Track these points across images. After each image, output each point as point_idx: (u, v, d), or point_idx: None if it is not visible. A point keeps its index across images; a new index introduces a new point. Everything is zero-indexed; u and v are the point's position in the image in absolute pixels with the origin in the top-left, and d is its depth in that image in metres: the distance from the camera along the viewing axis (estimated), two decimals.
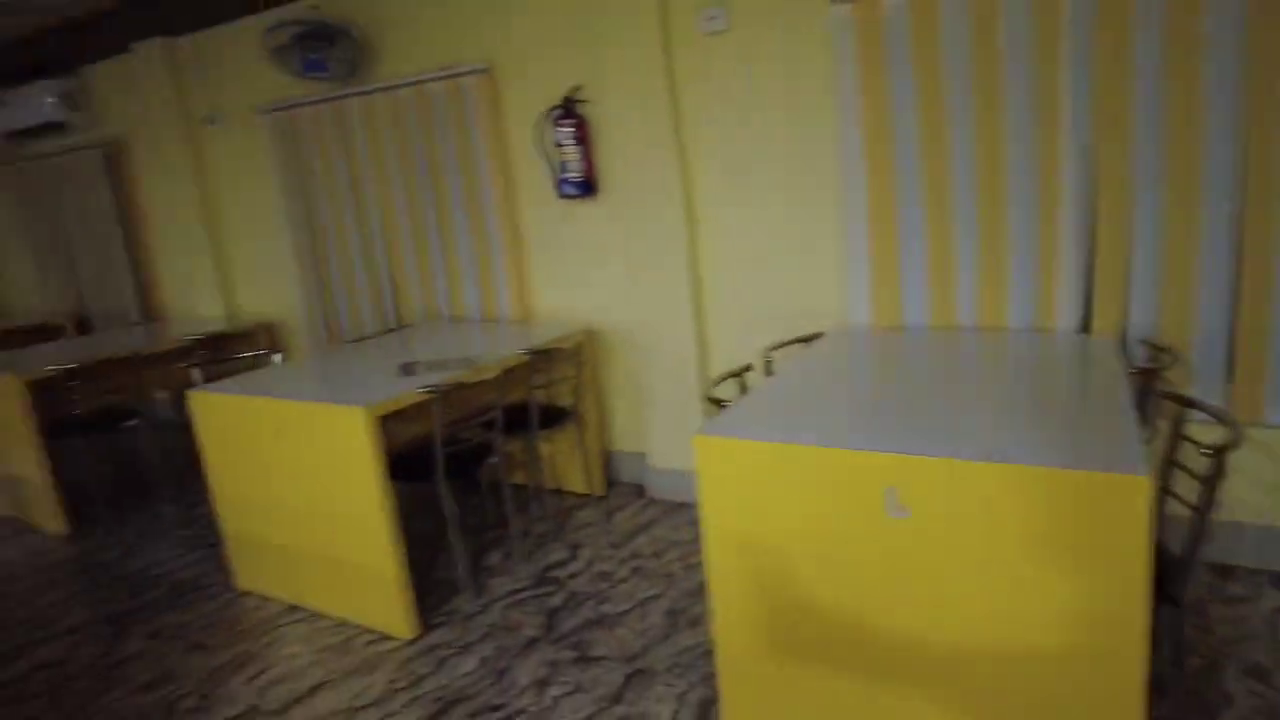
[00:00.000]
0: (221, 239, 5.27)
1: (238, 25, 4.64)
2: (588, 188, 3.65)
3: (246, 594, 3.21)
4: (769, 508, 1.89)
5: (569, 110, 3.60)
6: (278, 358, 3.70)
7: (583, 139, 3.60)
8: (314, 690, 2.54)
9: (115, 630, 3.04)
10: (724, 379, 2.58)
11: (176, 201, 5.31)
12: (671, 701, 2.32)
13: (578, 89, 3.59)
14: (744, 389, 2.59)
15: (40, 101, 5.56)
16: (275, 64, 4.05)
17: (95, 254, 5.95)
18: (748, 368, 2.64)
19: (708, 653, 2.52)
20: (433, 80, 3.90)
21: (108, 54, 5.30)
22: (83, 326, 6.18)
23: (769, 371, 2.71)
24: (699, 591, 2.89)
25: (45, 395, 3.89)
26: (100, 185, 5.68)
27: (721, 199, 3.37)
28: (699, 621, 2.70)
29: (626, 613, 2.80)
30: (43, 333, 5.90)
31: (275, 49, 3.97)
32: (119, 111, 5.50)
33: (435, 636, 2.77)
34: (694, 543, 3.26)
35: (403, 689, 2.50)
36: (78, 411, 4.03)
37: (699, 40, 3.24)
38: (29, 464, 3.89)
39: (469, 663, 2.60)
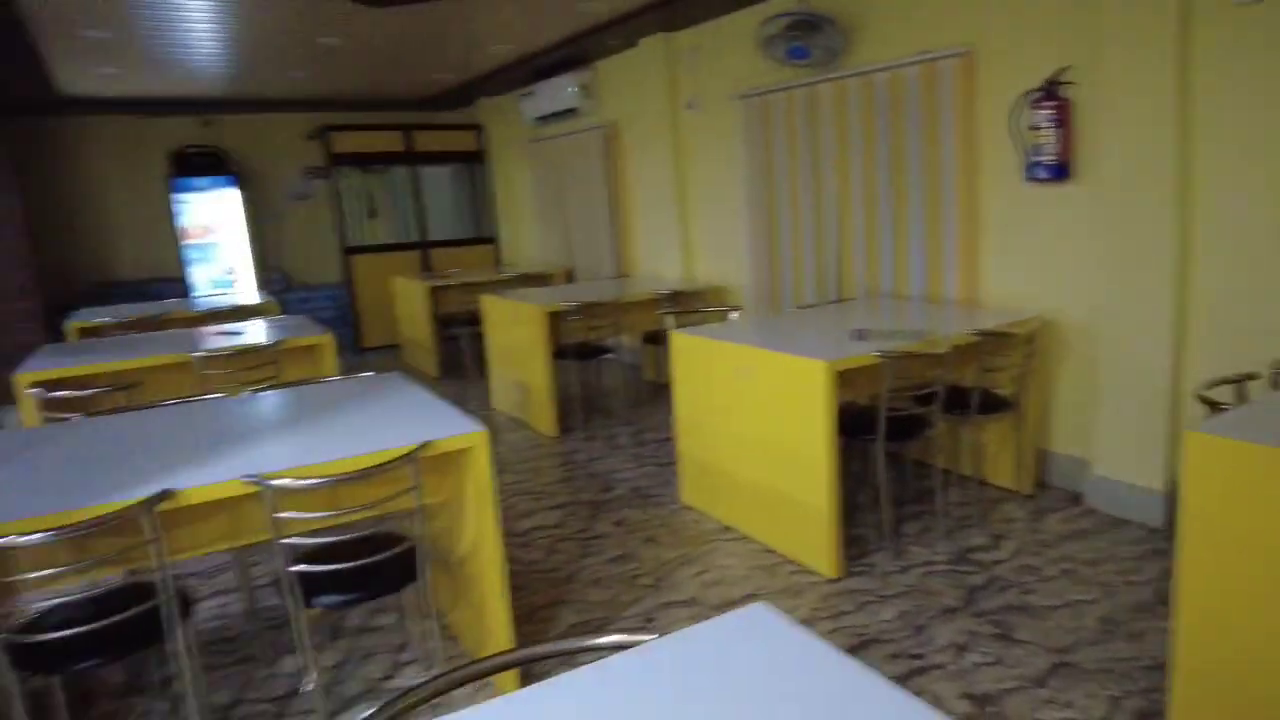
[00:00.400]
0: (686, 210, 6.03)
1: (726, 20, 5.24)
2: (1061, 172, 3.50)
3: (688, 508, 3.74)
4: (1275, 528, 1.73)
5: (1050, 92, 3.47)
6: (735, 315, 4.19)
7: (1062, 121, 3.45)
8: (745, 598, 2.91)
9: (590, 513, 3.77)
10: (1219, 383, 2.35)
11: (653, 177, 6.19)
12: (1104, 702, 2.23)
13: (1064, 70, 3.44)
14: (1242, 398, 2.34)
15: (563, 91, 6.86)
16: (764, 53, 4.51)
17: (585, 218, 7.19)
18: (1250, 375, 2.37)
19: (1150, 668, 2.36)
20: (909, 65, 4.03)
21: (618, 50, 6.33)
22: (569, 277, 7.52)
23: (1277, 385, 2.39)
24: (1144, 608, 2.68)
25: (551, 325, 4.88)
26: (595, 161, 6.84)
27: (1230, 186, 3.00)
28: (1141, 637, 2.52)
29: (1054, 608, 2.71)
30: (538, 279, 7.31)
31: (766, 38, 4.42)
32: (618, 98, 6.55)
33: (854, 582, 2.98)
34: (1139, 560, 3.01)
35: (824, 618, 2.75)
36: (571, 341, 4.98)
37: (1227, 13, 2.91)
38: (538, 376, 4.93)
39: (887, 612, 2.76)
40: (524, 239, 8.67)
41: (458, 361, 6.98)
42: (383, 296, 8.21)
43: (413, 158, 8.51)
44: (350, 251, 8.32)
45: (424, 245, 8.68)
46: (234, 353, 3.94)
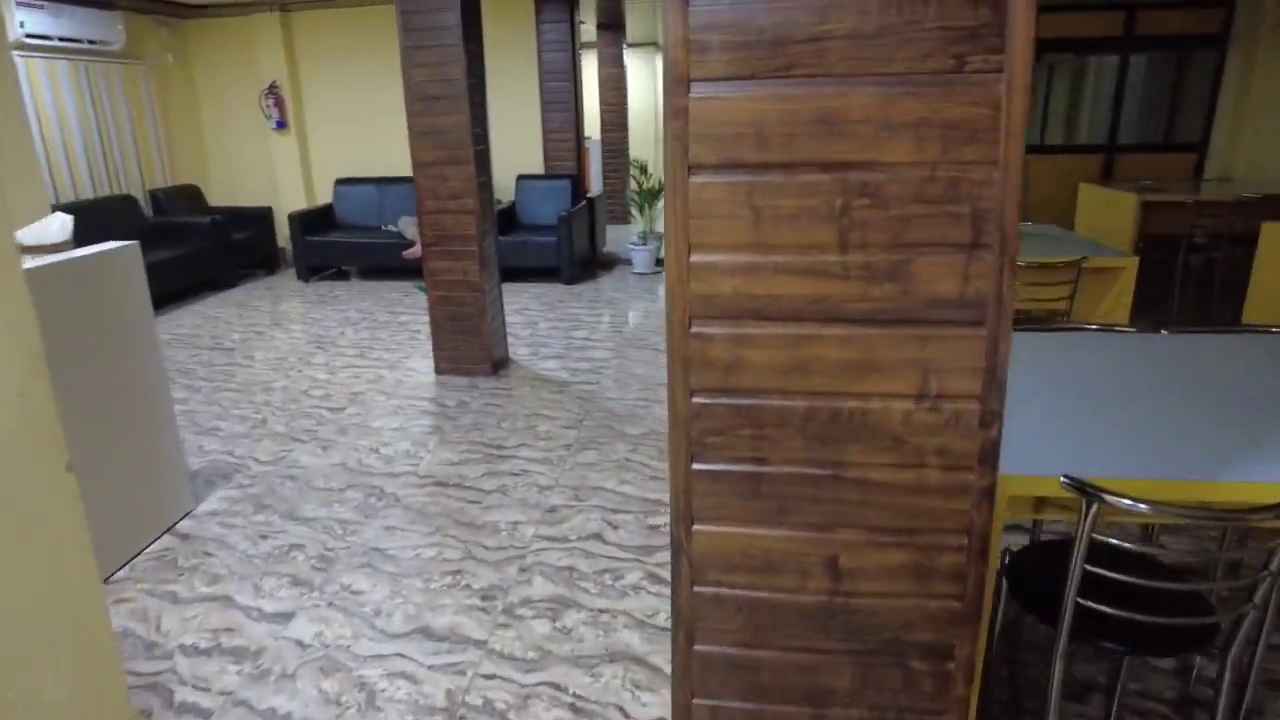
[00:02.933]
0: None
1: None
2: None
3: None
4: None
5: None
6: None
7: None
8: None
9: None
10: None
11: None
12: None
13: None
14: None
15: None
16: None
17: None
18: None
19: None
20: None
21: None
22: None
23: None
24: None
25: None
26: None
27: None
28: None
29: None
30: None
31: None
32: None
33: None
34: None
35: None
36: None
37: None
38: None
39: None
40: (1247, 147, 6.93)
41: (1160, 293, 5.89)
42: (1045, 206, 7.38)
43: (1128, 43, 7.23)
44: (1027, 151, 7.56)
45: (1109, 149, 7.49)
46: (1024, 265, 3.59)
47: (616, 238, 9.76)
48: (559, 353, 5.20)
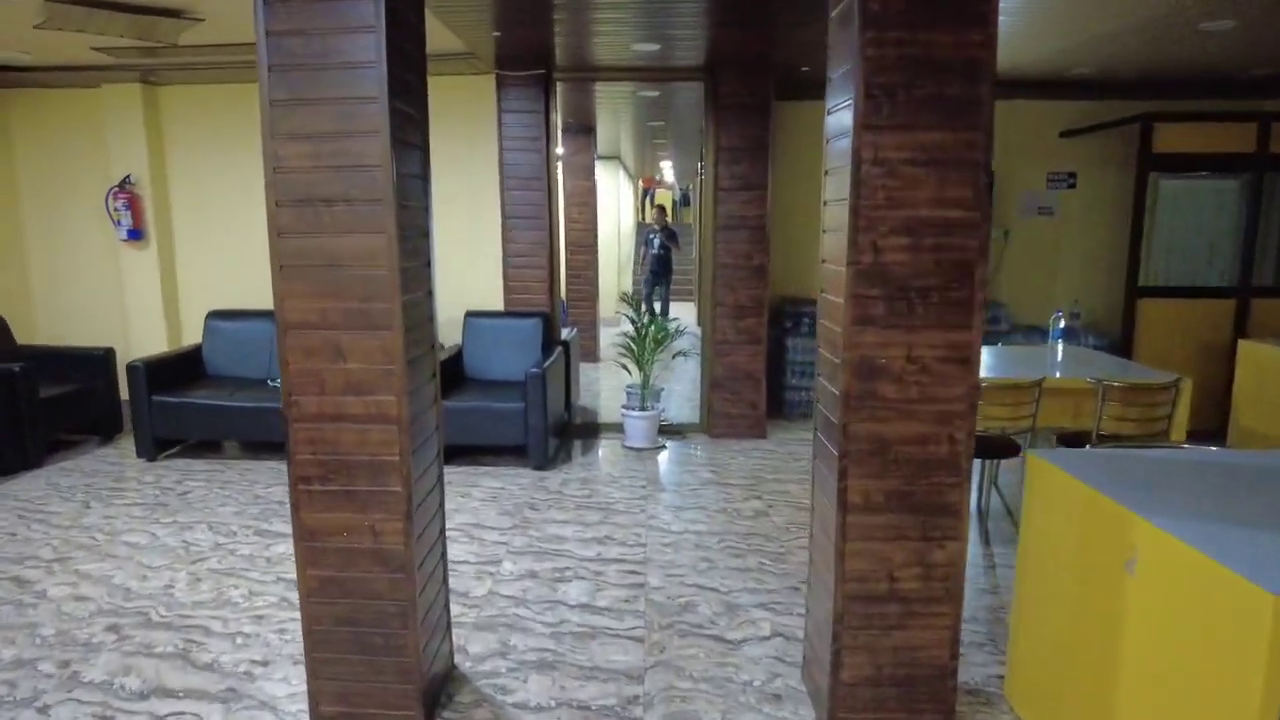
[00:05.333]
0: None
1: None
2: None
3: None
4: None
5: None
6: None
7: None
8: None
9: None
10: None
11: None
12: None
13: None
14: None
15: None
16: None
17: None
18: None
19: None
20: None
21: None
22: None
23: None
24: None
25: None
26: None
27: None
28: None
29: None
30: None
31: None
32: None
33: None
34: None
35: None
36: None
37: None
38: None
39: None
40: None
41: None
42: (1176, 355, 5.66)
43: (1262, 161, 5.65)
44: (1141, 293, 5.82)
45: (1244, 292, 5.81)
46: None
47: (586, 384, 7.65)
48: (546, 648, 2.92)
